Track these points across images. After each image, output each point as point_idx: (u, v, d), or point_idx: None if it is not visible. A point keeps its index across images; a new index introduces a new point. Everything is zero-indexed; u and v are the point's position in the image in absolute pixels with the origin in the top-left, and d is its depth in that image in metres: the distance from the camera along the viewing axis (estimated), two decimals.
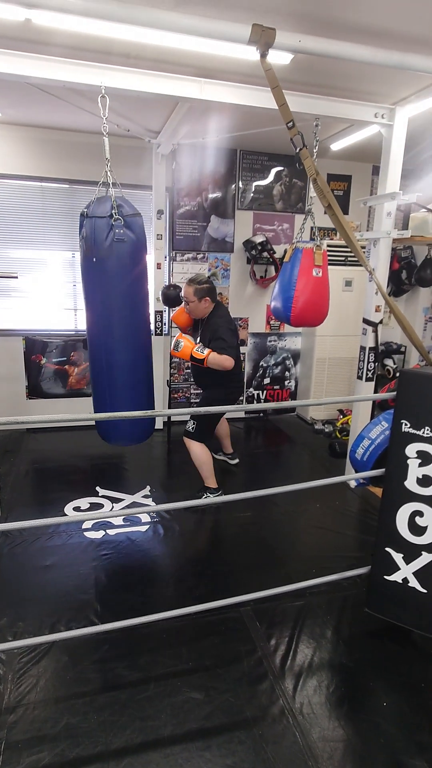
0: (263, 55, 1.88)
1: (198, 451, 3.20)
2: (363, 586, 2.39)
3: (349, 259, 4.65)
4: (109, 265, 2.35)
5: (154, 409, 2.84)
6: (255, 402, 5.12)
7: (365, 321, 3.38)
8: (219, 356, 2.86)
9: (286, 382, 5.18)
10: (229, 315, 3.25)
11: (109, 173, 2.40)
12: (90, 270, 2.40)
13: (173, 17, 1.81)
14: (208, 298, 3.10)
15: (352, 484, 3.42)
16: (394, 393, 2.01)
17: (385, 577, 2.10)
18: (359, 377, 3.48)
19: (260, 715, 1.77)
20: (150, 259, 4.26)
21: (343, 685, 1.92)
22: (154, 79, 2.63)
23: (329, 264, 4.60)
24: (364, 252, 3.46)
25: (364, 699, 1.86)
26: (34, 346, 4.37)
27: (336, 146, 4.08)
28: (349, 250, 4.43)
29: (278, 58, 2.42)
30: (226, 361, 2.86)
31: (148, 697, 1.82)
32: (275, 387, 5.15)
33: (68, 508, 3.11)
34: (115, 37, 2.30)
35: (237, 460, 3.94)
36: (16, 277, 3.77)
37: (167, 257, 4.50)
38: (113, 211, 2.28)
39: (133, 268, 2.44)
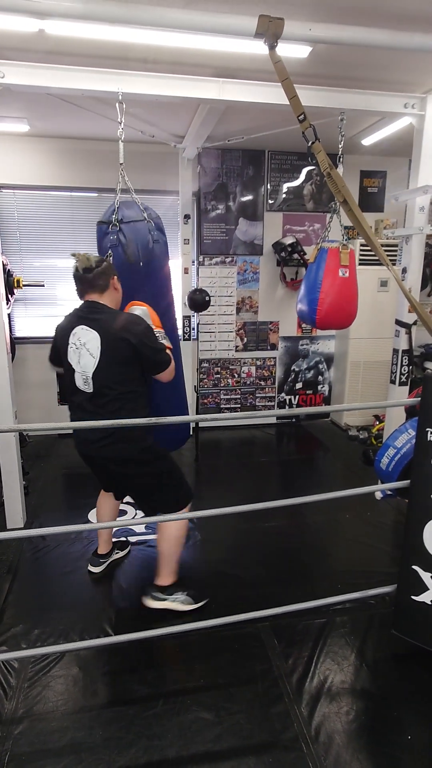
0: (272, 47, 1.80)
1: (181, 525, 2.22)
2: (391, 606, 2.23)
3: None
4: (152, 268, 2.34)
5: (188, 414, 2.76)
6: (287, 407, 4.99)
7: (398, 322, 3.21)
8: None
9: (319, 387, 5.02)
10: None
11: (124, 178, 2.38)
12: (133, 275, 2.28)
13: (176, 14, 1.76)
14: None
15: (378, 495, 3.23)
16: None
17: (413, 597, 1.95)
18: (392, 381, 3.30)
19: (272, 741, 1.67)
20: (177, 264, 4.25)
21: (364, 714, 1.78)
22: (171, 82, 2.61)
23: (363, 264, 4.44)
24: (394, 251, 3.29)
25: (387, 730, 1.72)
26: None
27: (367, 141, 3.93)
28: (386, 248, 4.25)
29: (295, 52, 2.34)
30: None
31: (156, 714, 1.76)
32: (308, 392, 5.01)
33: (92, 515, 3.11)
34: (131, 41, 2.29)
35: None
36: (43, 286, 3.84)
37: (195, 262, 4.47)
38: (145, 214, 2.27)
39: (165, 270, 2.46)
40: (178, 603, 2.19)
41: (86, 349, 1.97)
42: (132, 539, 2.85)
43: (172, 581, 2.21)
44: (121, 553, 2.70)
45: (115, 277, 2.11)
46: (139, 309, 2.12)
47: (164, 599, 2.19)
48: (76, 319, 2.05)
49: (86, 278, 2.02)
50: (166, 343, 2.10)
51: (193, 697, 1.83)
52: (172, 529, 2.18)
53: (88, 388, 2.00)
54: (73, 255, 2.02)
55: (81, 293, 2.07)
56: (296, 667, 1.97)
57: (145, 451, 2.07)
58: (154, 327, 2.08)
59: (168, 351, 2.07)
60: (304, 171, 4.52)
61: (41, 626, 2.16)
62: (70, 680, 1.90)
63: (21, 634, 2.12)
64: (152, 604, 2.19)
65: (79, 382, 2.02)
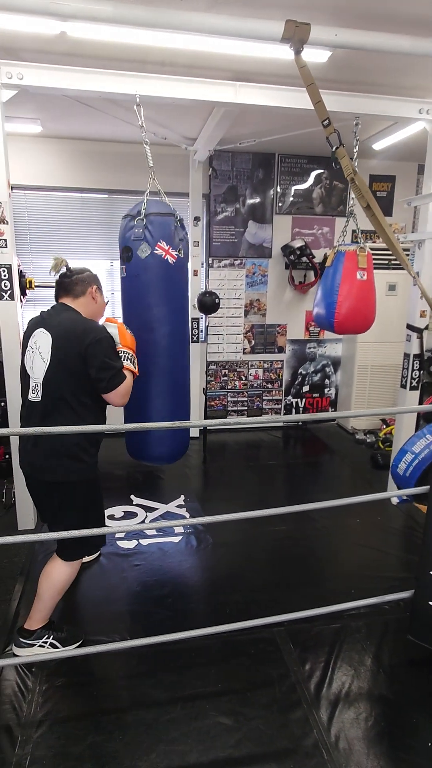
0: (297, 52, 1.80)
1: (67, 575, 2.01)
2: (406, 611, 2.23)
3: (392, 262, 4.47)
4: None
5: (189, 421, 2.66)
6: (294, 410, 4.99)
7: (409, 327, 3.22)
8: None
9: (326, 390, 5.03)
10: None
11: (154, 181, 2.36)
12: (143, 268, 2.23)
13: (204, 18, 1.77)
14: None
15: (394, 500, 3.24)
16: None
17: (430, 602, 1.95)
18: (403, 386, 3.31)
19: (292, 747, 1.67)
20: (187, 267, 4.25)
21: (383, 719, 1.78)
22: (188, 85, 2.62)
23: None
24: (407, 255, 3.30)
25: (406, 736, 1.72)
26: None
27: (378, 145, 3.94)
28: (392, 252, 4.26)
29: (315, 56, 2.35)
30: None
31: (175, 718, 1.75)
32: (314, 395, 5.01)
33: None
34: (150, 44, 2.30)
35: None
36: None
37: (204, 264, 4.47)
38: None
39: None
40: (46, 647, 1.99)
41: (39, 353, 1.85)
42: (144, 542, 2.85)
43: (41, 626, 2.01)
44: (92, 557, 2.65)
45: (96, 287, 2.02)
46: (110, 326, 1.99)
47: (31, 645, 1.98)
48: (39, 320, 1.94)
49: (63, 283, 1.97)
50: (129, 365, 1.94)
51: (210, 702, 1.82)
52: (59, 575, 1.97)
53: (37, 396, 1.84)
54: (54, 259, 1.97)
55: (56, 295, 2.01)
56: (313, 672, 1.97)
57: (86, 474, 1.92)
58: (121, 346, 1.95)
59: (126, 373, 1.90)
60: (314, 174, 4.53)
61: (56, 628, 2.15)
62: (87, 684, 1.90)
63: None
64: (19, 652, 1.96)
65: (29, 390, 1.88)
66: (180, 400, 2.40)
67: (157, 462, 2.72)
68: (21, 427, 1.95)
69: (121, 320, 2.14)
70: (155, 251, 2.16)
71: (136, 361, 2.01)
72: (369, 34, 1.95)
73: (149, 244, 2.16)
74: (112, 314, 4.13)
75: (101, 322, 2.06)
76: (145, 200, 2.20)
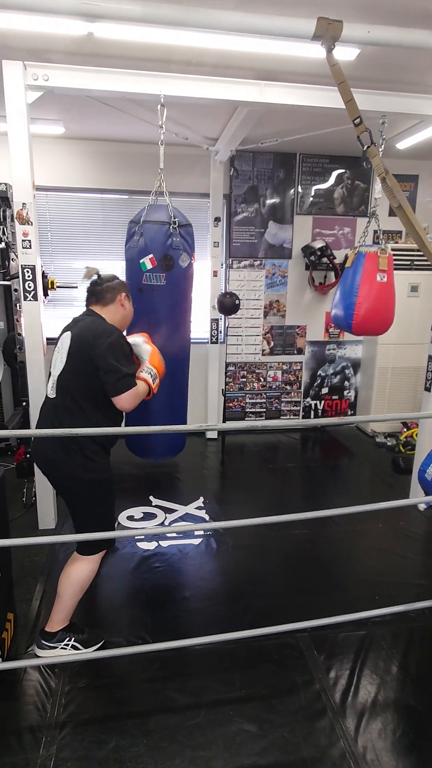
0: (329, 50, 1.77)
1: (88, 572, 1.98)
2: None
3: (415, 263, 4.40)
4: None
5: (185, 421, 2.73)
6: (312, 413, 4.94)
7: None
8: None
9: (345, 392, 4.97)
10: None
11: (162, 182, 2.37)
12: (182, 277, 2.33)
13: (234, 17, 1.75)
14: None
15: (421, 506, 3.18)
16: None
17: None
18: (427, 389, 3.24)
19: (318, 757, 1.63)
20: (206, 267, 4.24)
21: (412, 731, 1.74)
22: (213, 85, 2.60)
23: (394, 268, 4.37)
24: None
25: None
26: None
27: (402, 145, 3.88)
28: (419, 252, 4.20)
29: (343, 54, 2.31)
30: None
31: (199, 724, 1.73)
32: (334, 397, 4.95)
33: (122, 517, 3.10)
34: (176, 44, 2.28)
35: None
36: (76, 287, 3.85)
37: (224, 265, 4.46)
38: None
39: None
40: (68, 650, 1.97)
41: (60, 353, 1.93)
42: (163, 544, 2.84)
43: (62, 627, 1.99)
44: None
45: (124, 294, 2.05)
46: (140, 339, 2.07)
47: (53, 647, 1.96)
48: (68, 325, 2.02)
49: (95, 290, 2.04)
50: (146, 377, 1.95)
51: (235, 708, 1.80)
52: (78, 575, 1.96)
53: (52, 392, 1.92)
54: (87, 268, 2.05)
55: (87, 303, 2.07)
56: (338, 679, 1.93)
57: (96, 473, 1.91)
58: (148, 363, 1.99)
59: (140, 382, 1.91)
60: (335, 174, 4.48)
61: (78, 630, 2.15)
62: (109, 686, 1.89)
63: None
64: (41, 653, 1.96)
65: (48, 386, 1.97)
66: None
67: (155, 458, 2.95)
68: (38, 420, 2.03)
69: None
70: (191, 261, 2.29)
71: (158, 381, 2.02)
72: (402, 31, 1.91)
73: (188, 254, 2.23)
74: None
75: (136, 336, 2.10)
76: (170, 206, 2.22)
